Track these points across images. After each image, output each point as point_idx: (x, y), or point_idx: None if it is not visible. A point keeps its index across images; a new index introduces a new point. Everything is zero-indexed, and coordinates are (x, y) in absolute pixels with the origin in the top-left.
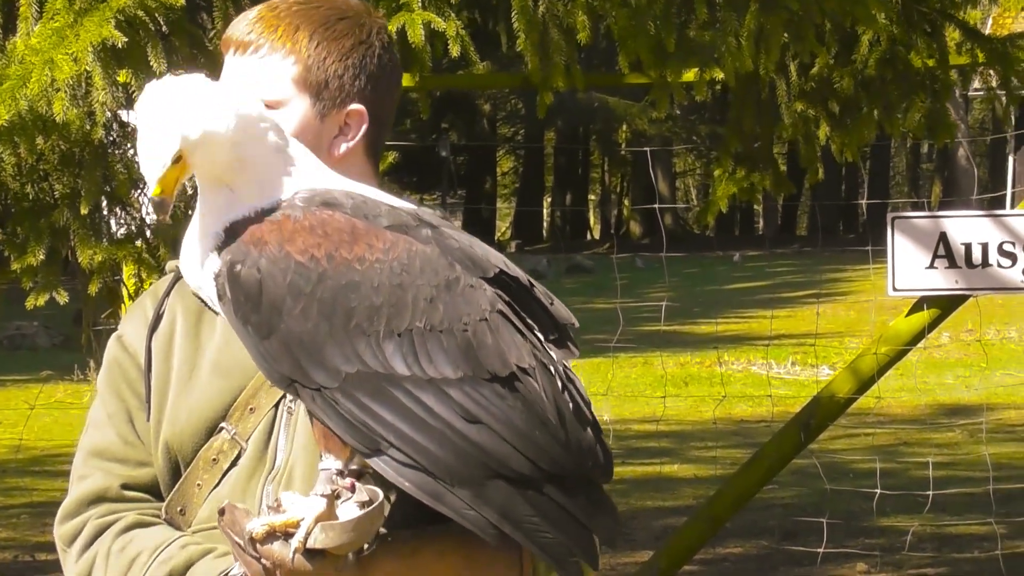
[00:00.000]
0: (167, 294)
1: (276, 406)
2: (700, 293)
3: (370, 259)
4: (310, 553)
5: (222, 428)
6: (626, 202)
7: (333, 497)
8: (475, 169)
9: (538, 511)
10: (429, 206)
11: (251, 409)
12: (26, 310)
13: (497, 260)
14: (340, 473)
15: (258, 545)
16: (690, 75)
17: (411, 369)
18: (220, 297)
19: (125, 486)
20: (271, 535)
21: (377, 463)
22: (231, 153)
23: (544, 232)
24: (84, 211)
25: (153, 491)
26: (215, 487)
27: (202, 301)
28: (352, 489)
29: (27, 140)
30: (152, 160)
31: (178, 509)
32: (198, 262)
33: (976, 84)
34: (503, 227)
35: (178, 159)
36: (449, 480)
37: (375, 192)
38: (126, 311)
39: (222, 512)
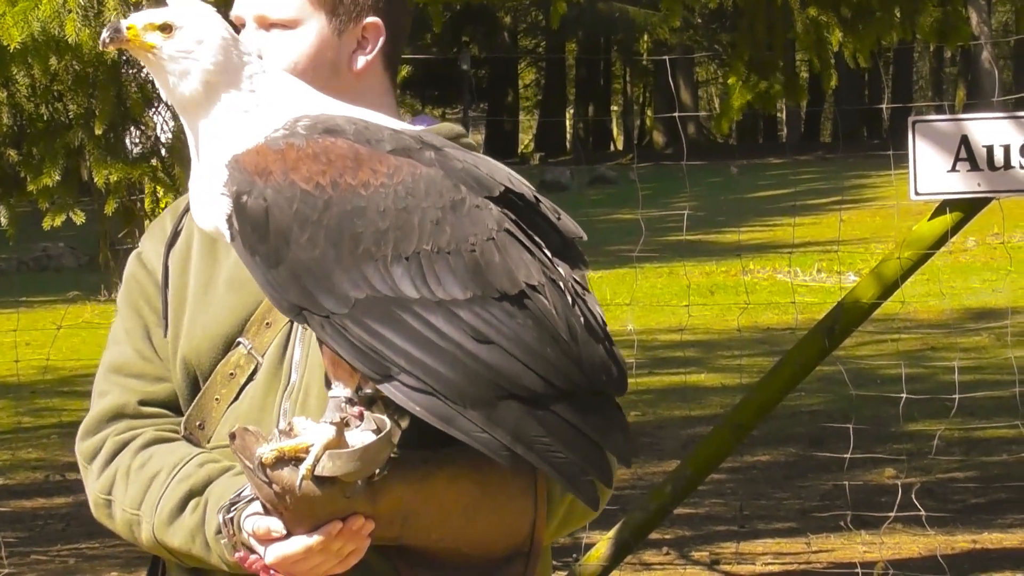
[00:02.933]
0: (186, 211)
1: (292, 320)
2: (724, 202)
3: (375, 184)
4: (319, 480)
5: (239, 343)
6: (648, 112)
7: (342, 425)
8: (496, 82)
9: (550, 431)
10: (452, 120)
11: (267, 324)
12: (53, 231)
13: (502, 177)
14: (349, 401)
15: (268, 470)
16: None
17: (420, 291)
18: (229, 229)
19: (143, 402)
20: (281, 460)
21: (388, 389)
22: (215, 66)
23: (567, 144)
24: (99, 131)
25: (171, 406)
26: (233, 401)
27: None
28: (360, 417)
29: (41, 61)
30: (144, 15)
31: (197, 424)
32: (206, 202)
33: None
34: (526, 140)
35: (166, 27)
36: (460, 402)
37: (376, 116)
38: (147, 228)
39: (233, 436)
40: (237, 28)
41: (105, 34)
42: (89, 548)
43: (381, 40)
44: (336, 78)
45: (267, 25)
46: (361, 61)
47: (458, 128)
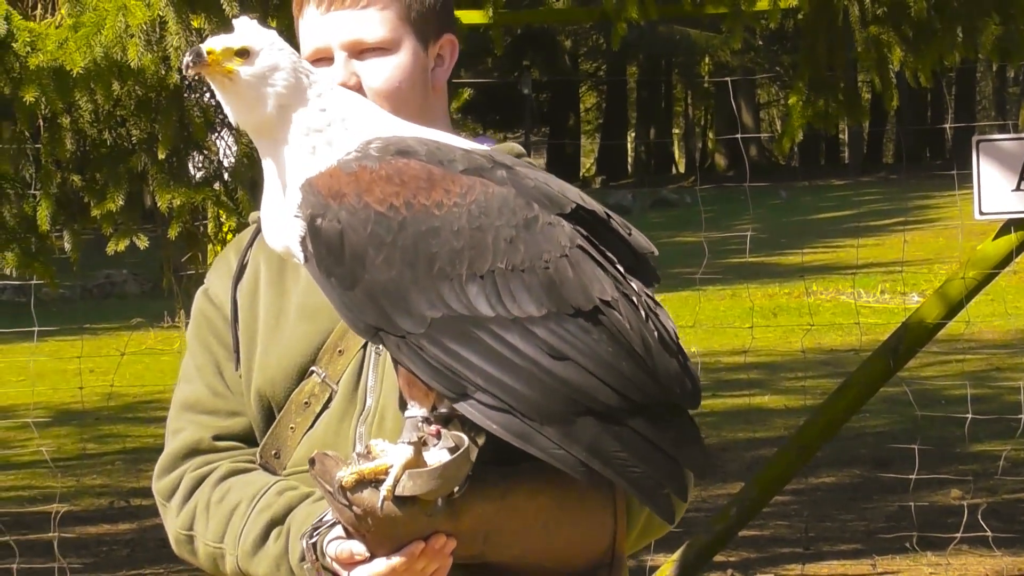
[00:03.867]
0: (250, 244)
1: (364, 347)
2: (787, 224)
3: (448, 204)
4: (400, 500)
5: (312, 371)
6: (710, 134)
7: (420, 444)
8: (558, 106)
9: (626, 446)
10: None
11: (340, 351)
12: (116, 258)
13: (573, 195)
14: (426, 420)
15: (348, 493)
16: (764, 3)
17: (495, 310)
18: (304, 254)
19: (217, 437)
20: (361, 483)
21: (464, 407)
22: (287, 89)
23: (629, 167)
24: (162, 156)
25: (245, 439)
26: (308, 429)
27: None
28: (438, 436)
29: (103, 86)
30: (220, 40)
31: (273, 452)
32: (279, 224)
33: None
34: (587, 163)
35: (243, 52)
36: (537, 419)
37: (446, 136)
38: (212, 264)
39: (312, 462)
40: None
41: (188, 58)
42: (154, 573)
43: (456, 55)
44: (426, 96)
45: (360, 51)
46: (440, 77)
47: (518, 148)
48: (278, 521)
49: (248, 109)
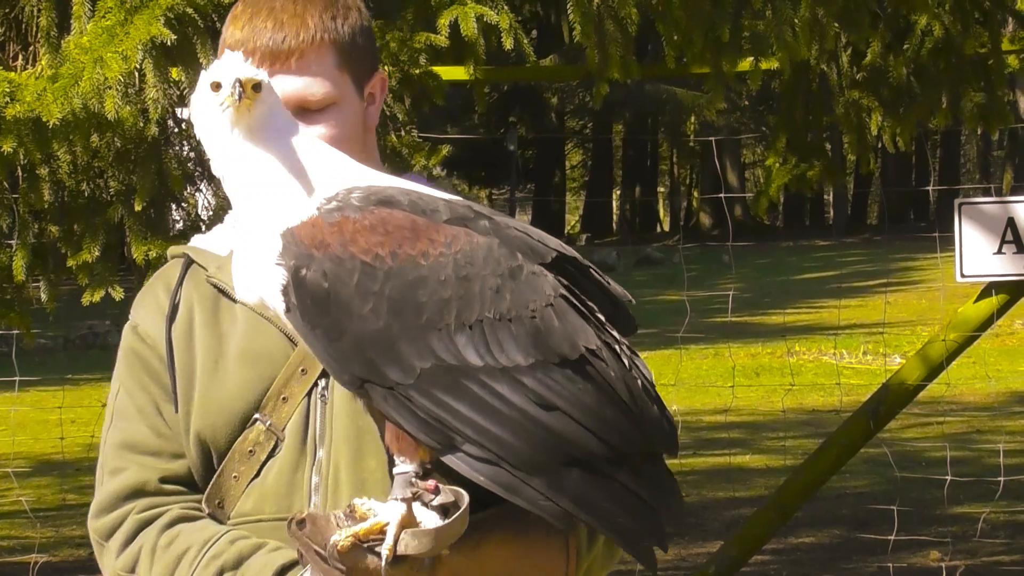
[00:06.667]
0: (180, 283)
1: (308, 395)
2: (770, 284)
3: (434, 254)
4: (395, 559)
5: (256, 419)
6: (695, 193)
7: (412, 500)
8: (544, 163)
9: (611, 496)
10: (499, 201)
11: (284, 399)
12: (98, 309)
13: (554, 245)
14: (419, 475)
15: (341, 555)
16: (745, 65)
17: (484, 359)
18: (285, 304)
19: (163, 480)
20: (356, 545)
21: (451, 460)
22: (284, 124)
23: (614, 225)
24: (139, 208)
25: (189, 483)
26: (254, 478)
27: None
28: (435, 491)
29: (82, 138)
30: (235, 71)
31: (216, 502)
32: (253, 273)
33: None
34: (572, 220)
35: (258, 86)
36: (525, 470)
37: (425, 187)
38: (137, 299)
39: (301, 523)
40: None
41: (235, 92)
42: None
43: (386, 90)
44: (366, 137)
45: (304, 109)
46: (373, 115)
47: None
48: (228, 569)
49: (228, 143)
